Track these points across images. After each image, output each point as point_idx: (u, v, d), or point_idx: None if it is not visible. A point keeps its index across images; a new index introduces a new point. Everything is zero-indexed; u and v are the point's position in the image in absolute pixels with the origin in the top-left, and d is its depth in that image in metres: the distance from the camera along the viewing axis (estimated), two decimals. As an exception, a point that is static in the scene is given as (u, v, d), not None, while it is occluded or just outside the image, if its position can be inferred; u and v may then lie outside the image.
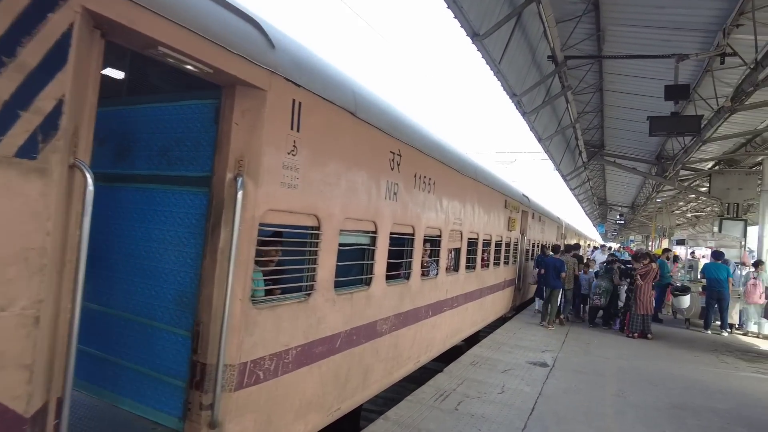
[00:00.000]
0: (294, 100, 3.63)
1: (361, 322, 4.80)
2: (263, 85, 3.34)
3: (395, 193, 5.33)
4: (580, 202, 32.13)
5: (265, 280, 3.77)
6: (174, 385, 3.41)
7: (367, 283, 4.91)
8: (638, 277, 11.07)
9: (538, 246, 15.92)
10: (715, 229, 15.86)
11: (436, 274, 7.08)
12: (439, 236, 7.09)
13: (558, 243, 20.10)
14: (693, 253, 20.59)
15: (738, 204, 16.41)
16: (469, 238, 8.62)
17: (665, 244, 31.43)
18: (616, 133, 16.19)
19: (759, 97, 8.58)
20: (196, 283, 3.35)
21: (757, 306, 12.24)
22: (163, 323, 3.53)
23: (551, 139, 14.59)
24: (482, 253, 9.86)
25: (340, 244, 4.33)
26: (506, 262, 12.24)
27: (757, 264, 12.66)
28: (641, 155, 17.90)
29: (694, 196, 25.65)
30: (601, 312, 12.57)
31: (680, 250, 19.73)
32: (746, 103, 8.28)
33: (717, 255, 12.71)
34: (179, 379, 3.38)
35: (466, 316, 8.91)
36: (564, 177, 19.46)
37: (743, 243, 13.07)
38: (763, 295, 12.16)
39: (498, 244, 11.12)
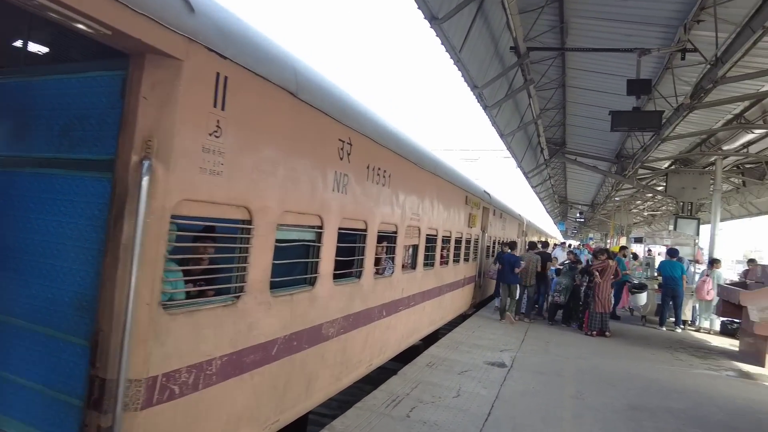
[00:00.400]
0: (219, 74, 3.16)
1: (303, 326, 4.37)
2: (178, 53, 2.87)
3: (345, 186, 4.91)
4: (541, 200, 32.51)
5: (193, 281, 3.31)
6: (70, 404, 2.91)
7: (311, 283, 4.48)
8: (596, 273, 11.02)
9: (499, 243, 15.78)
10: (671, 227, 16.14)
11: (392, 272, 6.72)
12: (395, 232, 6.73)
13: (515, 240, 20.11)
14: (649, 251, 21.04)
15: (692, 203, 16.76)
16: (427, 235, 8.29)
17: (623, 241, 32.20)
18: (577, 131, 16.24)
19: (717, 95, 8.59)
20: (97, 284, 2.85)
21: (707, 302, 12.43)
22: (60, 331, 3.01)
23: (513, 135, 14.46)
24: (441, 250, 9.57)
25: (278, 241, 3.88)
26: (467, 259, 12.02)
27: (713, 262, 12.88)
28: (602, 153, 18.05)
29: (650, 195, 26.25)
30: (561, 310, 12.52)
31: (638, 248, 20.09)
32: (705, 100, 8.26)
33: (672, 253, 12.86)
34: (76, 397, 2.89)
35: (423, 315, 8.59)
36: (525, 174, 19.47)
37: (697, 241, 13.28)
38: (712, 291, 12.36)
39: (458, 241, 10.86)
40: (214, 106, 3.13)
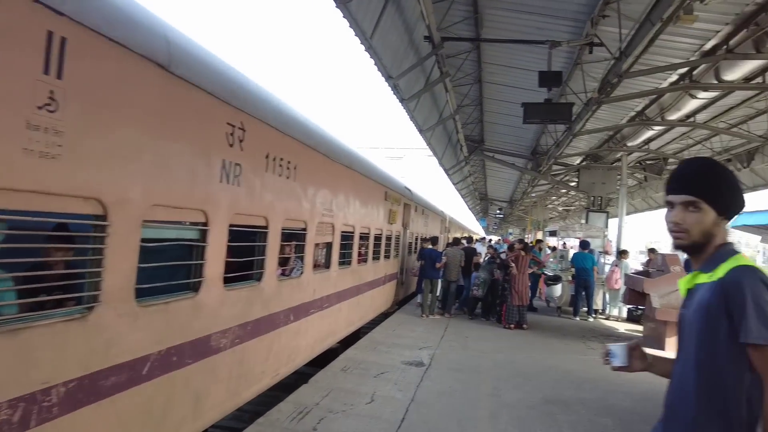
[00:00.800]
0: (51, 33, 2.53)
1: (186, 339, 3.79)
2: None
3: (237, 177, 4.36)
4: (463, 197, 33.20)
5: (29, 291, 2.67)
6: None
7: (194, 288, 3.90)
8: (512, 265, 11.15)
9: (422, 239, 15.71)
10: (583, 221, 16.86)
11: (301, 272, 6.23)
12: (305, 229, 6.25)
13: (436, 236, 20.26)
14: (564, 244, 22.01)
15: (601, 197, 17.63)
16: (343, 232, 7.88)
17: (539, 235, 33.65)
18: (495, 128, 16.52)
19: (623, 90, 8.89)
20: None
21: (616, 291, 13.03)
22: None
23: (433, 131, 14.41)
24: (359, 248, 9.20)
25: (146, 240, 3.29)
26: (387, 256, 11.75)
27: (621, 253, 13.52)
28: (518, 150, 18.54)
29: (564, 190, 27.53)
30: (480, 304, 12.60)
31: (553, 241, 20.92)
32: (611, 95, 8.50)
33: (584, 245, 13.35)
34: None
35: (340, 317, 8.17)
36: (446, 171, 19.63)
37: (606, 233, 13.91)
38: (620, 281, 12.97)
39: (378, 238, 10.55)
40: (45, 72, 2.51)
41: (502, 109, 14.04)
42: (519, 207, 37.78)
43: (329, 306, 7.45)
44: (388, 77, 10.34)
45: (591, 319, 12.91)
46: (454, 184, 24.22)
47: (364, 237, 9.42)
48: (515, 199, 34.73)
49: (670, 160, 17.27)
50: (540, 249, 14.90)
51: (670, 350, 9.35)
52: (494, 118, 15.32)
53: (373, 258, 10.33)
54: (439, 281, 12.82)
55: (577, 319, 12.94)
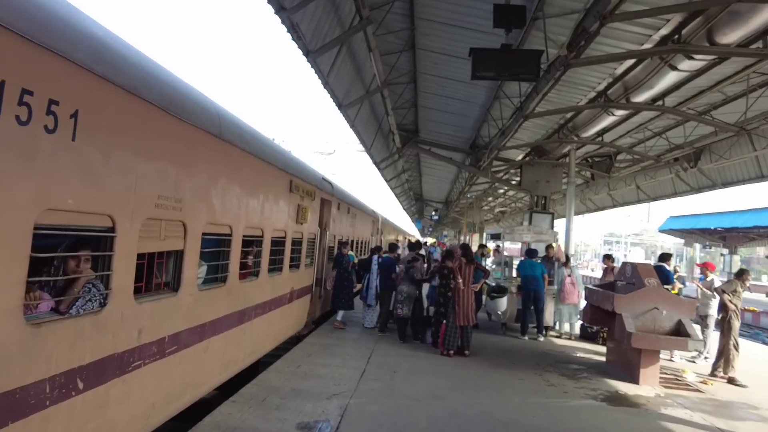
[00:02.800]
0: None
1: None
2: None
3: None
4: (397, 196, 31.12)
5: None
6: None
7: None
8: (457, 277, 8.96)
9: (340, 243, 13.23)
10: (526, 222, 15.10)
11: (98, 305, 3.57)
12: (113, 230, 3.62)
13: (395, 242, 17.95)
14: (497, 248, 20.25)
15: (546, 197, 15.99)
16: (207, 235, 5.27)
17: (477, 239, 32.16)
18: (431, 115, 14.41)
19: (597, 49, 6.93)
20: None
21: (572, 306, 11.21)
22: None
23: (357, 111, 12.02)
24: (244, 257, 6.61)
25: None
26: (295, 266, 9.20)
27: (566, 260, 11.72)
28: (456, 143, 16.57)
29: (502, 191, 26.12)
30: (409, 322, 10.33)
31: (493, 246, 19.12)
32: (582, 57, 6.46)
33: (531, 254, 11.42)
34: None
35: (205, 361, 5.53)
36: (377, 164, 17.33)
37: (557, 237, 12.14)
38: (577, 293, 11.18)
39: (278, 242, 7.99)
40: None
41: (439, 89, 11.90)
42: (454, 208, 36.31)
43: (178, 348, 4.80)
44: (307, 52, 7.84)
45: (541, 339, 10.98)
46: (387, 180, 21.98)
47: (253, 242, 6.83)
48: (451, 200, 33.15)
49: (619, 156, 15.95)
50: (483, 255, 12.87)
51: (644, 383, 7.47)
52: (430, 101, 13.15)
53: (272, 270, 7.75)
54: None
55: (526, 338, 10.97)
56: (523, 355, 9.56)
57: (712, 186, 16.00)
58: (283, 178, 7.93)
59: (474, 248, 14.28)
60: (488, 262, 17.74)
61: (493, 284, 12.06)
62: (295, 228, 8.77)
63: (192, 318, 5.02)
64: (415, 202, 40.56)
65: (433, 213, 39.12)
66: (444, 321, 9.21)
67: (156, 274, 4.50)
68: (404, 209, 46.03)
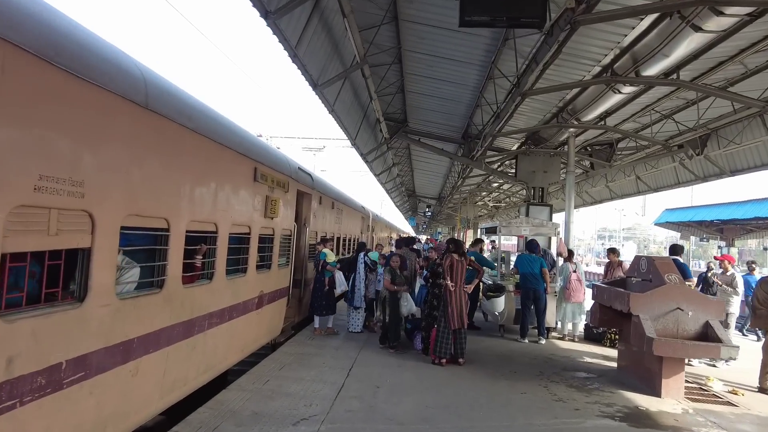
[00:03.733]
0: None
1: None
2: None
3: None
4: (388, 191, 30.03)
5: None
6: None
7: None
8: (447, 279, 7.91)
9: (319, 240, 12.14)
10: (523, 215, 14.08)
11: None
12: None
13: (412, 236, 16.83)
14: (492, 243, 19.21)
15: (543, 188, 14.99)
16: (130, 229, 4.20)
17: (471, 235, 31.17)
18: (419, 101, 13.35)
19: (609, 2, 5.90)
20: None
21: (577, 304, 10.20)
22: None
23: (338, 94, 10.91)
24: (191, 256, 5.54)
25: None
26: (266, 266, 8.13)
27: (569, 255, 10.71)
28: (447, 133, 15.53)
29: (496, 185, 25.12)
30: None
31: (489, 241, 18.11)
32: (596, 10, 5.43)
33: (531, 246, 10.40)
34: None
35: (134, 386, 4.44)
36: (363, 156, 16.22)
37: (559, 230, 11.12)
38: (583, 291, 10.19)
39: (239, 239, 6.93)
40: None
41: (427, 69, 10.84)
42: (448, 204, 35.31)
43: (87, 375, 3.72)
44: (266, 13, 6.75)
45: (543, 341, 9.96)
46: (376, 175, 20.88)
47: (203, 239, 5.76)
48: (444, 195, 32.11)
49: (620, 144, 14.97)
50: (481, 251, 11.83)
51: (667, 396, 6.45)
52: (417, 84, 12.09)
53: (232, 271, 6.69)
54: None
55: (526, 341, 9.95)
56: (525, 361, 8.53)
57: (720, 174, 15.05)
58: (244, 164, 6.85)
59: (468, 244, 13.26)
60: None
61: (490, 282, 11.05)
62: (264, 223, 7.70)
63: (108, 334, 3.94)
64: (408, 199, 39.49)
65: (426, 209, 38.06)
66: (435, 325, 8.19)
67: (46, 279, 3.41)
68: (396, 206, 44.94)
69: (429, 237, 34.38)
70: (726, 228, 37.42)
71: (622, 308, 6.84)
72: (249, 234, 7.15)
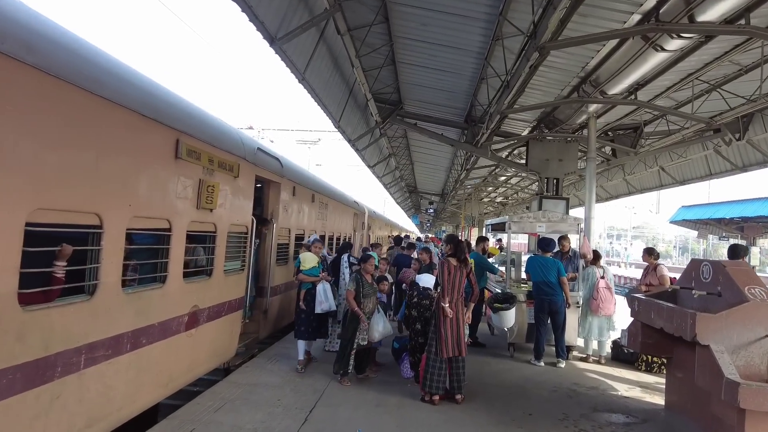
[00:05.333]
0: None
1: None
2: None
3: None
4: (387, 187, 28.07)
5: None
6: None
7: None
8: (444, 299, 5.99)
9: (299, 240, 10.21)
10: (536, 207, 12.13)
11: None
12: None
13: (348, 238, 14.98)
14: (499, 241, 17.26)
15: (558, 179, 13.03)
16: None
17: (476, 234, 29.15)
18: (414, 75, 11.40)
19: None
20: None
21: (606, 318, 8.27)
22: None
23: (310, 58, 8.92)
24: (60, 261, 3.68)
25: None
26: (204, 273, 6.27)
27: (596, 258, 8.76)
28: (447, 116, 13.59)
29: (503, 178, 23.14)
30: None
31: (494, 239, 16.19)
32: None
33: (544, 244, 8.45)
34: None
35: None
36: (352, 142, 14.29)
37: (581, 226, 9.14)
38: (612, 301, 8.25)
39: (152, 238, 5.07)
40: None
41: (420, 29, 8.91)
42: (452, 201, 33.35)
43: None
44: None
45: (562, 365, 8.02)
46: (370, 166, 18.95)
47: (71, 237, 3.90)
48: (447, 191, 30.13)
49: (647, 128, 12.95)
50: (484, 251, 9.92)
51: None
52: (409, 52, 10.15)
53: (137, 282, 4.83)
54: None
55: (542, 364, 8.02)
56: (542, 395, 6.59)
57: (765, 162, 13.00)
58: (157, 133, 4.97)
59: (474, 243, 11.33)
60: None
61: (498, 291, 9.13)
62: (196, 216, 5.81)
63: None
64: (410, 195, 37.54)
65: (429, 206, 36.09)
66: (423, 352, 6.27)
67: None
68: (397, 203, 42.98)
69: (429, 236, 32.20)
70: (747, 226, 35.29)
71: (681, 333, 4.89)
72: (169, 230, 5.27)
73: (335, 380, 6.80)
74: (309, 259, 7.59)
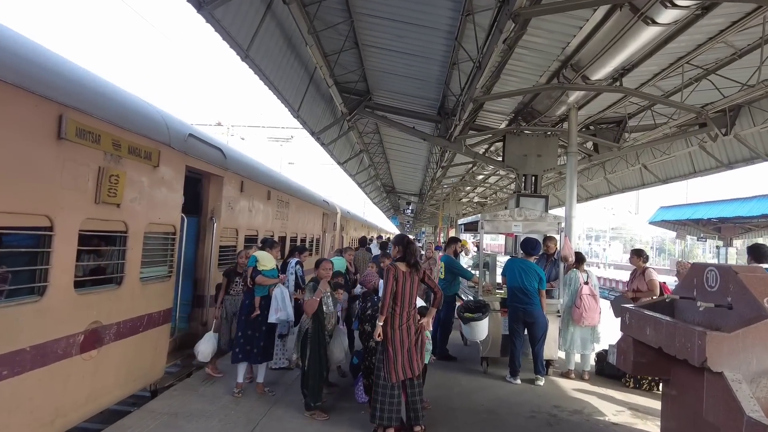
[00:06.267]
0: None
1: None
2: None
3: None
4: (361, 186, 26.99)
5: None
6: None
7: None
8: (384, 305, 4.98)
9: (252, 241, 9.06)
10: (514, 206, 11.21)
11: None
12: None
13: (273, 236, 13.78)
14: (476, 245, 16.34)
15: (536, 176, 12.16)
16: None
17: (453, 234, 28.28)
18: (377, 61, 10.38)
19: None
20: None
21: (590, 329, 7.37)
22: None
23: (255, 34, 7.87)
24: None
25: None
26: (112, 281, 5.16)
27: (579, 260, 7.85)
28: (420, 108, 12.63)
29: (481, 177, 22.29)
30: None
31: (467, 238, 15.27)
32: None
33: (529, 247, 7.50)
34: None
35: None
36: (315, 134, 13.17)
37: (562, 226, 8.21)
38: (596, 309, 7.35)
39: (37, 239, 3.98)
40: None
41: (386, 25, 7.92)
42: (430, 202, 32.46)
43: None
44: None
45: (541, 383, 7.08)
46: (340, 163, 17.86)
47: None
48: (425, 191, 29.21)
49: (631, 122, 12.15)
50: (456, 254, 8.97)
51: None
52: (374, 34, 9.15)
53: (17, 294, 3.73)
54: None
55: (518, 382, 7.07)
56: (519, 423, 5.62)
57: (752, 159, 12.31)
58: (25, 105, 3.86)
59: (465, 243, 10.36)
60: (466, 261, 13.89)
61: (470, 298, 8.16)
62: (95, 212, 4.70)
63: None
64: (387, 196, 36.54)
65: (407, 206, 35.14)
66: (372, 376, 5.24)
67: None
68: (374, 203, 41.93)
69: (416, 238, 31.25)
70: (724, 227, 35.18)
71: (686, 356, 3.95)
72: (50, 230, 4.16)
73: (279, 403, 5.74)
74: (267, 258, 6.51)
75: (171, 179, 6.18)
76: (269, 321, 6.24)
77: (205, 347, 6.56)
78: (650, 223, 37.30)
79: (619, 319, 5.20)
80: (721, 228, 34.47)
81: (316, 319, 5.67)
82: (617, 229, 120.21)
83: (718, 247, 41.10)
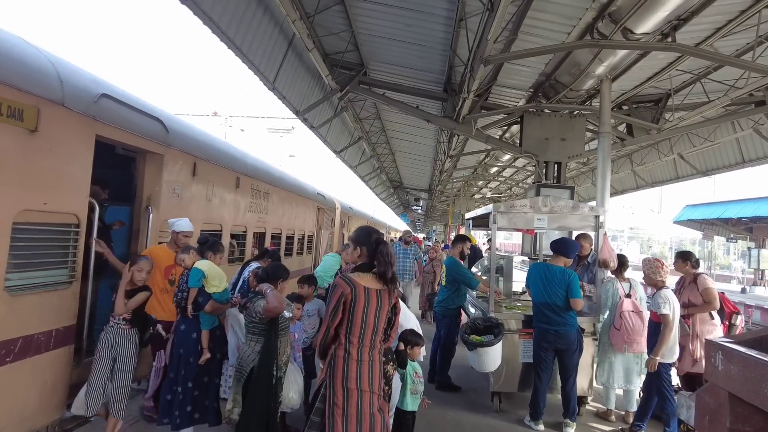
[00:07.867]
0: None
1: None
2: None
3: None
4: (364, 179, 25.24)
5: None
6: None
7: None
8: (321, 335, 3.21)
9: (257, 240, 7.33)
10: (533, 196, 9.40)
11: None
12: None
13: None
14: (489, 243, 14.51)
15: (560, 163, 10.35)
16: None
17: (464, 232, 26.44)
18: (370, 23, 8.63)
19: None
20: None
21: (634, 356, 5.56)
22: None
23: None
24: None
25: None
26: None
27: (620, 266, 6.03)
28: (422, 82, 10.86)
29: (495, 169, 20.44)
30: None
31: (478, 236, 13.49)
32: None
33: (563, 248, 5.67)
34: None
35: None
36: (299, 113, 11.39)
37: (602, 220, 6.34)
38: (642, 330, 5.54)
39: None
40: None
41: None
42: (440, 198, 30.64)
43: None
44: None
45: (572, 429, 5.30)
46: (336, 152, 16.13)
47: None
48: (434, 186, 27.42)
49: (675, 99, 10.21)
50: (463, 256, 7.15)
51: None
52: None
53: None
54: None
55: (541, 428, 5.30)
56: None
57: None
58: None
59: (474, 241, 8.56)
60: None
61: (476, 312, 6.39)
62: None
63: None
64: (395, 192, 34.79)
65: (416, 202, 33.35)
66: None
67: None
68: (381, 199, 40.17)
69: (413, 236, 29.42)
70: (756, 227, 32.79)
71: None
72: None
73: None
74: (216, 275, 4.70)
75: (67, 152, 4.49)
76: (230, 364, 4.52)
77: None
78: (675, 222, 35.03)
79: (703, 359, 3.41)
80: (753, 228, 32.21)
81: (267, 349, 3.95)
82: (635, 228, 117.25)
83: (749, 248, 38.60)
